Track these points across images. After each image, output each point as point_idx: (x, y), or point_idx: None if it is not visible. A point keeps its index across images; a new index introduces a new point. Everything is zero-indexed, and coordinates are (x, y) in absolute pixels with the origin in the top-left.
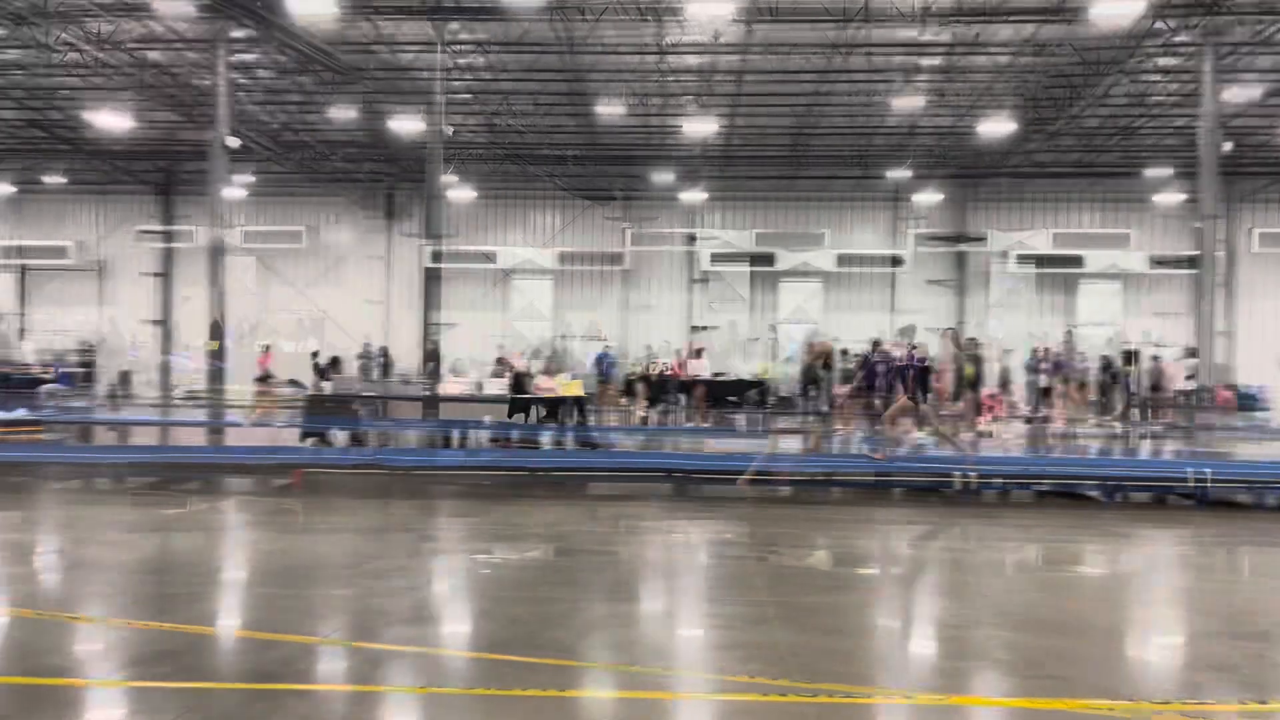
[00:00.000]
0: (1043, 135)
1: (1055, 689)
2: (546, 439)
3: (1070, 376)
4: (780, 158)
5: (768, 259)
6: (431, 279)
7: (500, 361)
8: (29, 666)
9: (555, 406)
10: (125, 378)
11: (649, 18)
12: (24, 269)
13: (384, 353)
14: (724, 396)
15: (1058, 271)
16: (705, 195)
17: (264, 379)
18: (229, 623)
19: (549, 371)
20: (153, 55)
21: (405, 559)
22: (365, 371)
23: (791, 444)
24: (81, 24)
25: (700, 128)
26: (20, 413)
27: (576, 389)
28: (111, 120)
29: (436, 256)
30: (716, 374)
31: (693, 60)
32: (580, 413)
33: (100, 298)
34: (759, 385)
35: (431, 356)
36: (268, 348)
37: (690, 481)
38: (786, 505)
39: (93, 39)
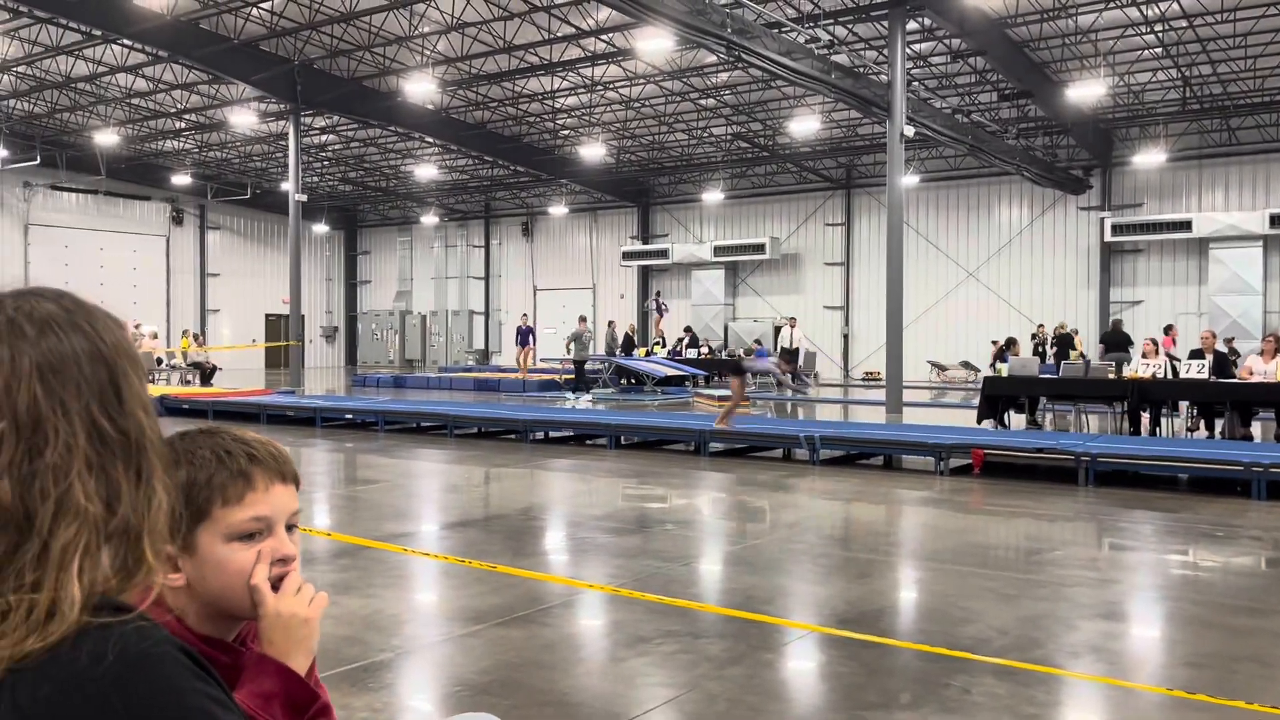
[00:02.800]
0: None
1: None
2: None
3: None
4: None
5: None
6: (1111, 253)
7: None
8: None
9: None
10: (809, 361)
11: None
12: (734, 265)
13: (1062, 337)
14: None
15: None
16: None
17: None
18: (909, 595)
19: (1267, 354)
20: (836, 58)
21: (1093, 550)
22: (1039, 354)
23: None
24: (774, 39)
25: None
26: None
27: None
28: (801, 125)
29: (1117, 229)
30: None
31: None
32: None
33: (794, 287)
34: None
35: (1115, 338)
36: None
37: None
38: None
39: (783, 53)
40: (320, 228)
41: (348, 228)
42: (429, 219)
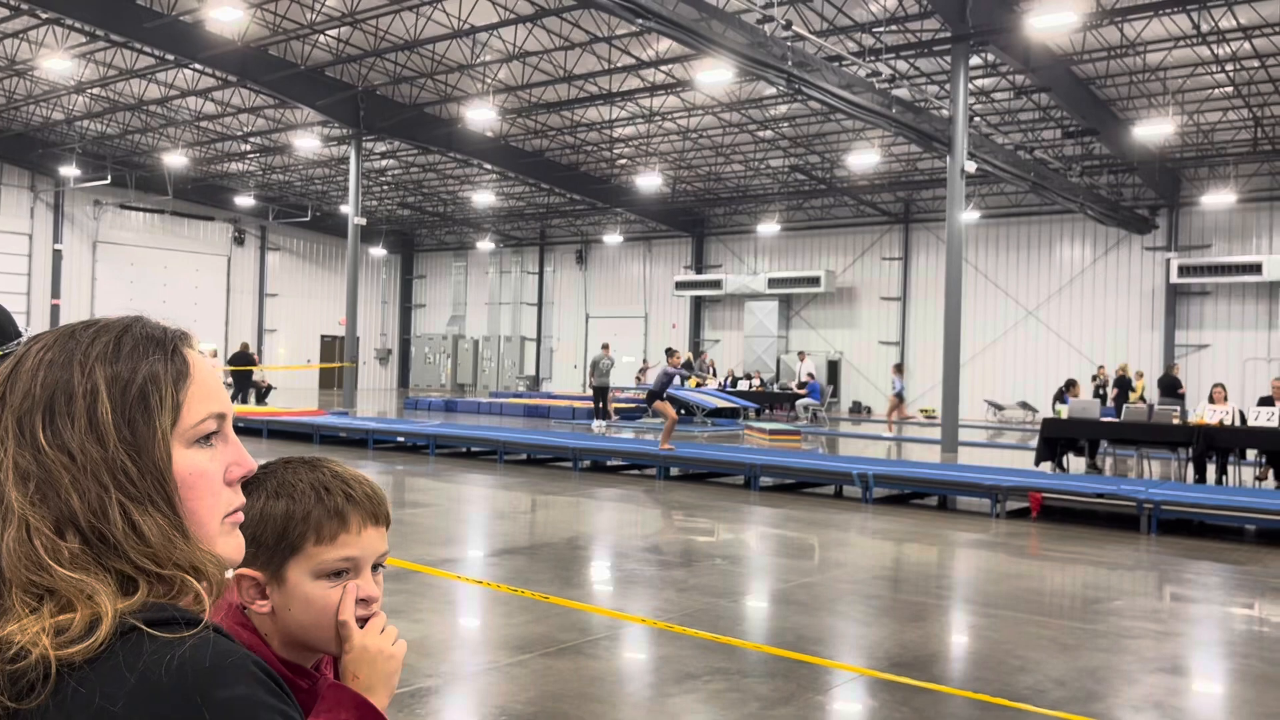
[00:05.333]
0: None
1: None
2: None
3: None
4: None
5: None
6: (1177, 294)
7: None
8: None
9: None
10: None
11: None
12: (788, 298)
13: (1121, 380)
14: None
15: None
16: None
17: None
18: (962, 639)
19: None
20: (897, 92)
21: (1155, 601)
22: (1099, 396)
23: None
24: (834, 72)
25: None
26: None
27: None
28: (860, 158)
29: (1184, 270)
30: None
31: None
32: None
33: (849, 321)
34: None
35: (1166, 382)
36: None
37: None
38: None
39: (843, 86)
40: (377, 251)
41: (404, 251)
42: (484, 245)
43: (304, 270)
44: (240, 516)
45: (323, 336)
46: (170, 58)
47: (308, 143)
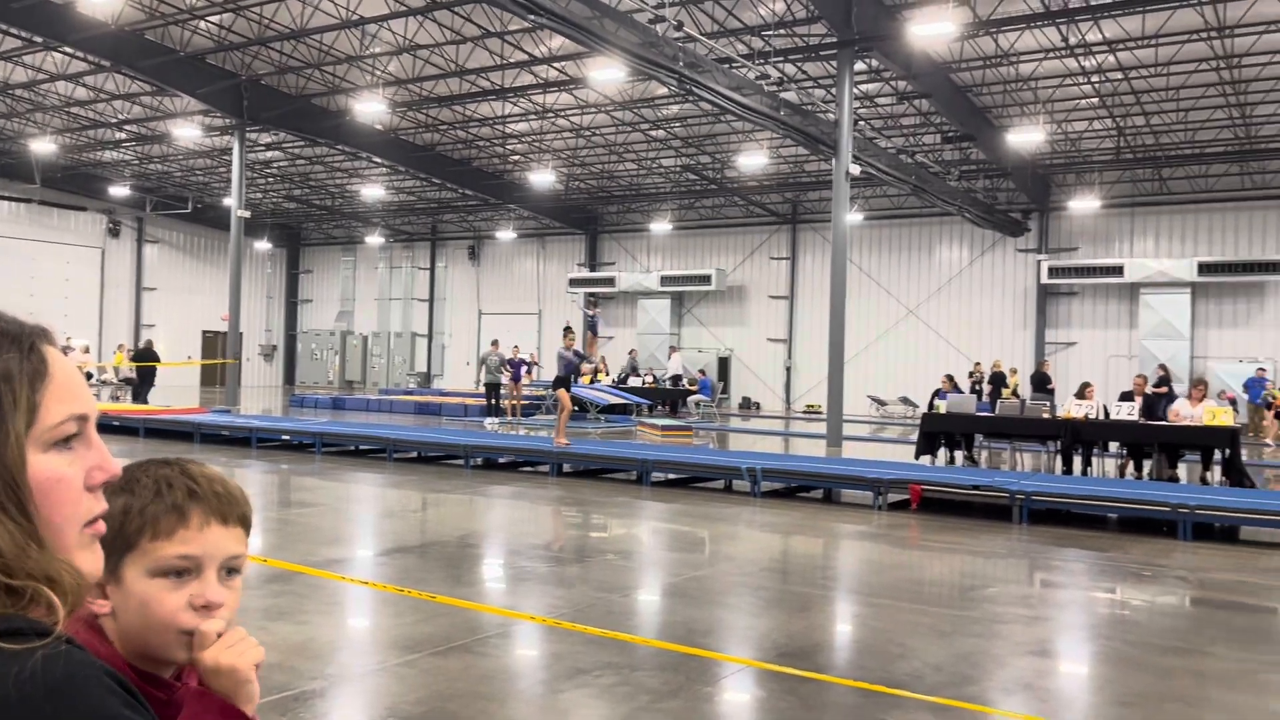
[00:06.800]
0: None
1: None
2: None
3: None
4: None
5: None
6: (1047, 295)
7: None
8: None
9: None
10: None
11: None
12: (680, 295)
13: (996, 376)
14: None
15: None
16: None
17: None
18: (846, 628)
19: (1194, 398)
20: (785, 95)
21: (1026, 588)
22: (976, 392)
23: None
24: (725, 74)
25: None
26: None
27: (1226, 418)
28: (749, 159)
29: (1053, 272)
30: None
31: None
32: (1231, 446)
33: (738, 319)
34: None
35: (1038, 379)
36: None
37: None
38: None
39: (733, 88)
40: (262, 245)
41: (290, 245)
42: (374, 239)
43: (184, 264)
44: (102, 526)
45: (204, 332)
46: (38, 40)
47: (188, 132)
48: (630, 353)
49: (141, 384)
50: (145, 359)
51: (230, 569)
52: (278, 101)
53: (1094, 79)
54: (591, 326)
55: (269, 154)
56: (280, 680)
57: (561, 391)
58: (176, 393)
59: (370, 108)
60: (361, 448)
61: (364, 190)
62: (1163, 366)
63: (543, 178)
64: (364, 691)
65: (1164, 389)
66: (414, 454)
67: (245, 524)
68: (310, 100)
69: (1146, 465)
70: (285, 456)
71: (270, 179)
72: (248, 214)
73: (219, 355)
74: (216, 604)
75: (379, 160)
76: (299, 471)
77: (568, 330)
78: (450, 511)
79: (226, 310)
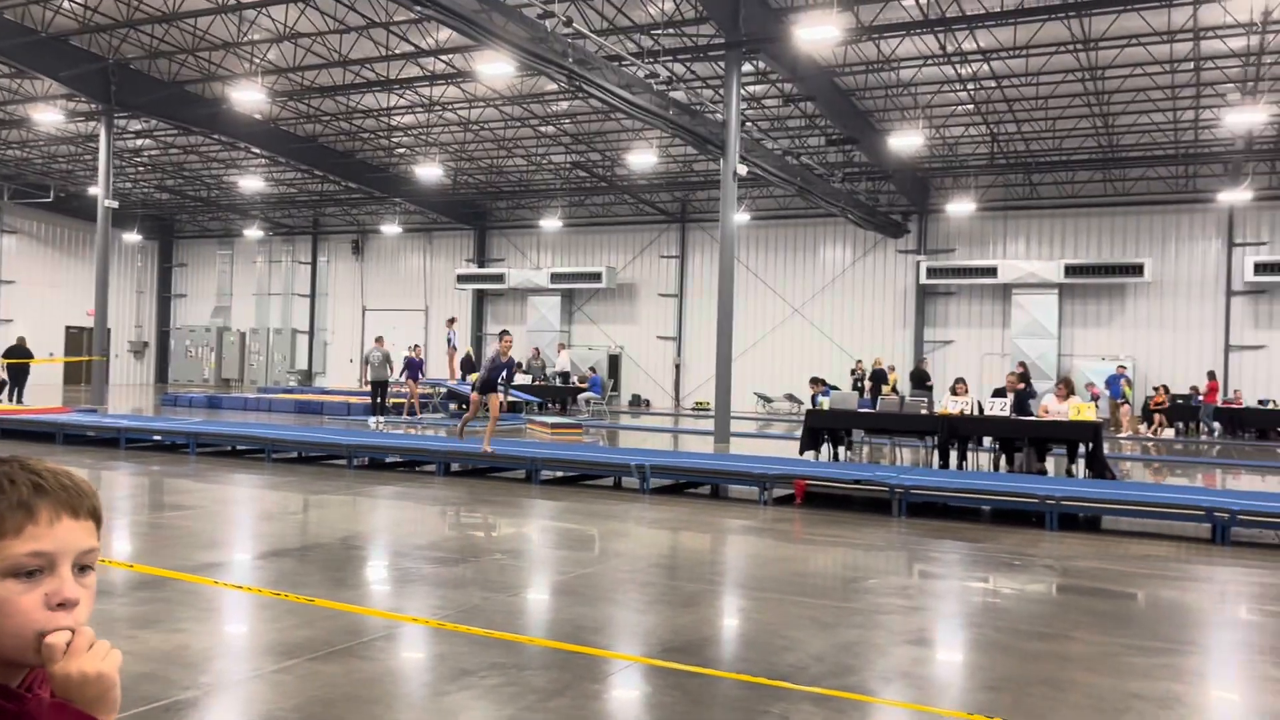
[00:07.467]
0: None
1: None
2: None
3: None
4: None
5: None
6: (926, 295)
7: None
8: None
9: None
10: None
11: (1169, 3)
12: (570, 293)
13: (877, 373)
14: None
15: None
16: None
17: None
18: (732, 622)
19: (1060, 395)
20: (674, 95)
21: (905, 579)
22: (858, 389)
23: None
24: (614, 72)
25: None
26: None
27: (1090, 414)
28: (639, 158)
29: (931, 272)
30: (1261, 401)
31: (1237, 44)
32: (1094, 440)
33: (629, 316)
34: None
35: (917, 376)
36: None
37: (1240, 525)
38: None
39: (622, 85)
40: (132, 237)
41: (163, 238)
42: (252, 232)
43: (47, 256)
44: None
45: (69, 328)
46: None
47: (50, 117)
48: (534, 350)
49: (14, 383)
50: (17, 356)
51: (83, 566)
52: (149, 87)
53: (970, 86)
54: (450, 342)
55: (139, 142)
56: (150, 691)
57: (493, 395)
58: (38, 392)
59: (248, 96)
60: (239, 448)
61: (242, 182)
62: (1022, 364)
63: (430, 172)
64: (239, 700)
65: (1022, 385)
66: (294, 454)
67: (96, 517)
68: (184, 87)
69: (1018, 459)
70: (157, 458)
71: (140, 168)
72: (115, 204)
73: (85, 352)
74: (73, 601)
75: (258, 151)
76: (171, 473)
77: (504, 334)
78: (332, 513)
79: (93, 305)
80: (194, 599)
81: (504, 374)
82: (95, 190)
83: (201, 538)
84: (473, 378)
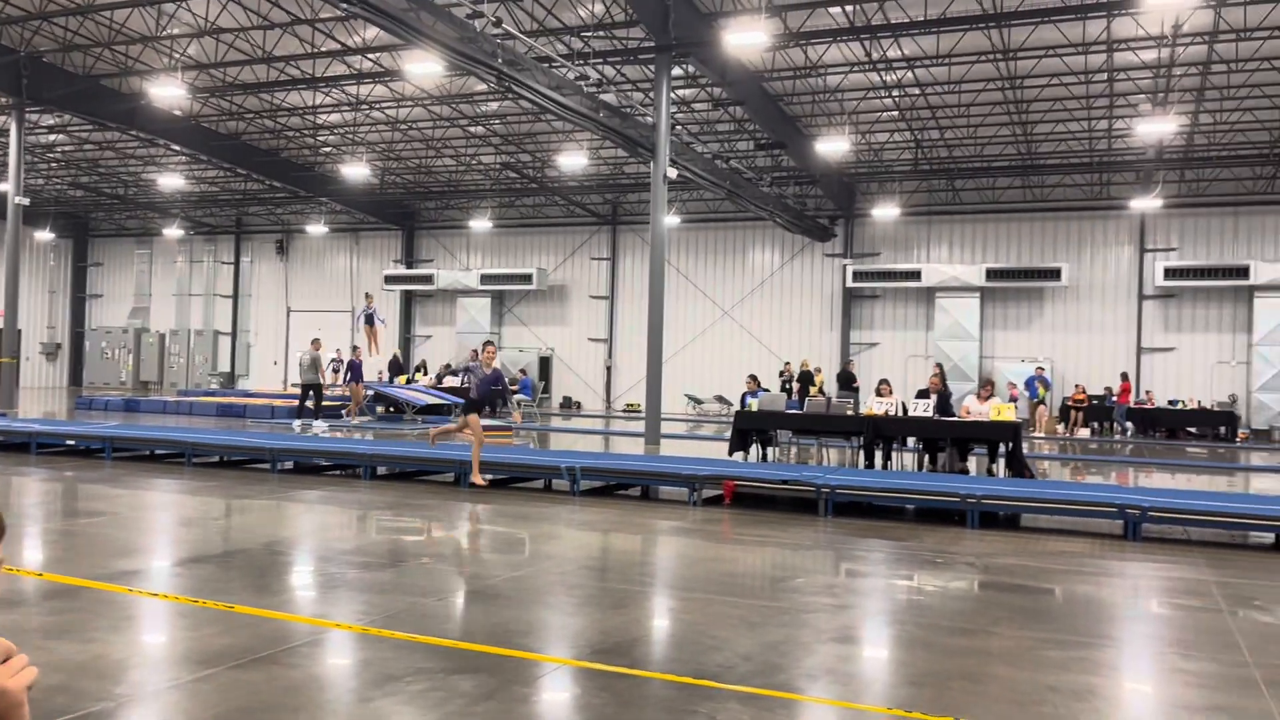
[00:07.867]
0: None
1: None
2: (975, 466)
3: None
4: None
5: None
6: (852, 298)
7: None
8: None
9: (968, 439)
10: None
11: (1084, 15)
12: (501, 294)
13: (804, 375)
14: (1184, 427)
15: None
16: (1160, 204)
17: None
18: (661, 623)
19: (981, 396)
20: (604, 97)
21: (831, 577)
22: (786, 390)
23: None
24: (544, 73)
25: (1159, 128)
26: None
27: (1009, 414)
28: (569, 160)
29: (857, 276)
30: (1171, 402)
31: (1148, 56)
32: (1013, 440)
33: (560, 318)
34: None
35: (843, 378)
36: None
37: (1151, 521)
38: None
39: (552, 87)
40: (44, 235)
41: (77, 236)
42: (172, 231)
43: None
44: None
45: None
46: None
47: None
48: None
49: None
50: None
51: None
52: (62, 81)
53: (894, 93)
54: (368, 319)
55: (52, 137)
56: (62, 702)
57: (473, 417)
58: None
59: (167, 92)
60: (157, 452)
61: (161, 179)
62: (939, 365)
63: (356, 171)
64: (155, 711)
65: (941, 386)
66: (216, 459)
67: (0, 528)
68: (99, 81)
69: (941, 459)
70: (70, 463)
71: (53, 164)
72: (26, 201)
73: None
74: None
75: (177, 148)
76: (86, 479)
77: (488, 344)
78: (255, 518)
79: (1, 306)
80: (109, 608)
81: (499, 385)
82: (5, 187)
83: (117, 545)
84: (401, 380)
